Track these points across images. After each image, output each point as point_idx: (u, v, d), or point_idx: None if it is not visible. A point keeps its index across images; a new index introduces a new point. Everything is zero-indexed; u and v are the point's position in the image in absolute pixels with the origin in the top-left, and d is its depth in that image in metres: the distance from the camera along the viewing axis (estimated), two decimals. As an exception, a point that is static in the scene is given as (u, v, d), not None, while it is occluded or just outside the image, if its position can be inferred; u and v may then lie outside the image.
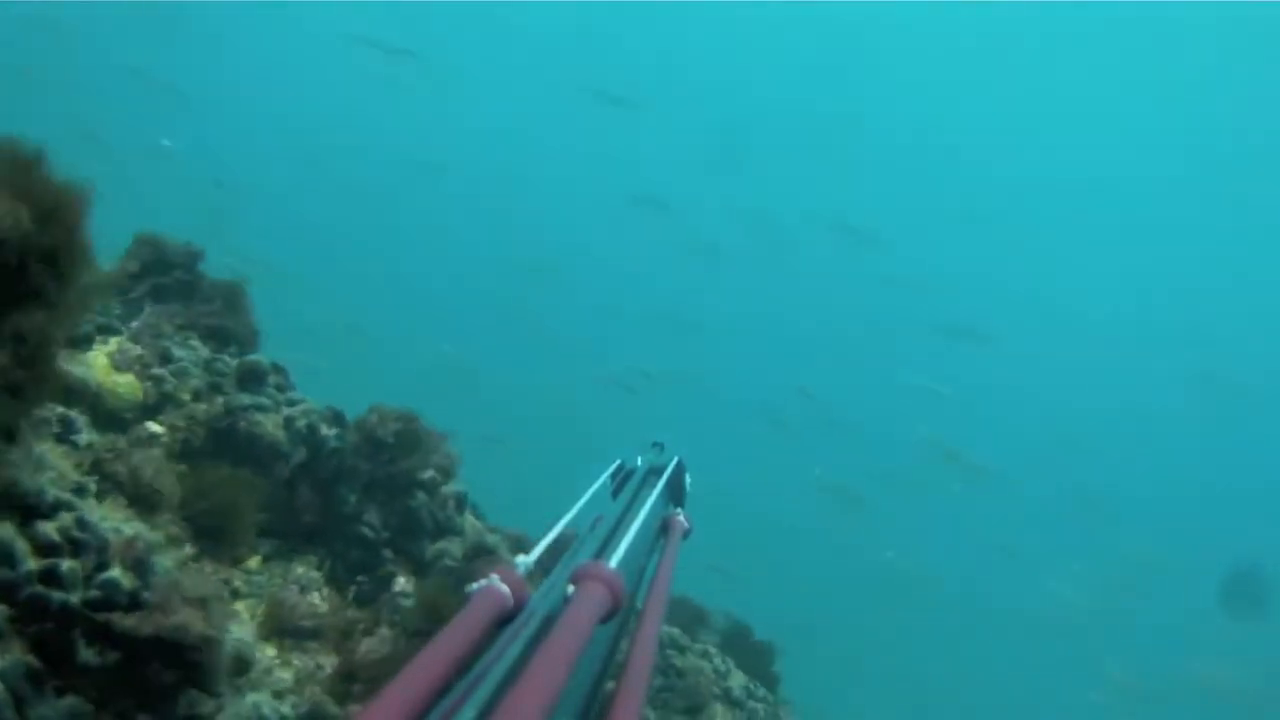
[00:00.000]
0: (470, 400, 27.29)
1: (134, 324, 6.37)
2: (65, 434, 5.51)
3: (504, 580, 1.59)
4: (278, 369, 6.60)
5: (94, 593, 3.57)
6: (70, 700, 3.50)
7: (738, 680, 9.49)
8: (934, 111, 46.70)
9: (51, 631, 3.46)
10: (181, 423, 6.15)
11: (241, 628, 5.28)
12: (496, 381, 32.56)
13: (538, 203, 44.17)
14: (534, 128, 45.26)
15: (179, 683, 3.61)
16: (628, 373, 26.97)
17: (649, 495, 2.46)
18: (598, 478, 2.58)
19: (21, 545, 3.44)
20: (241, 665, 4.30)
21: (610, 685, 1.60)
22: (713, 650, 9.71)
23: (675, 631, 9.32)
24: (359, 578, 6.02)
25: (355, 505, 6.13)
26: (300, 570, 6.08)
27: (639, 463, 2.88)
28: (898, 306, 37.59)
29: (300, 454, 6.22)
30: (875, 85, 46.90)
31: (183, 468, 5.95)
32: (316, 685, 5.01)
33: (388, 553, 6.09)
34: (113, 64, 31.57)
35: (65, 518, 3.56)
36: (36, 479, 3.55)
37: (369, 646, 5.17)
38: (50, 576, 3.47)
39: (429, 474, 6.36)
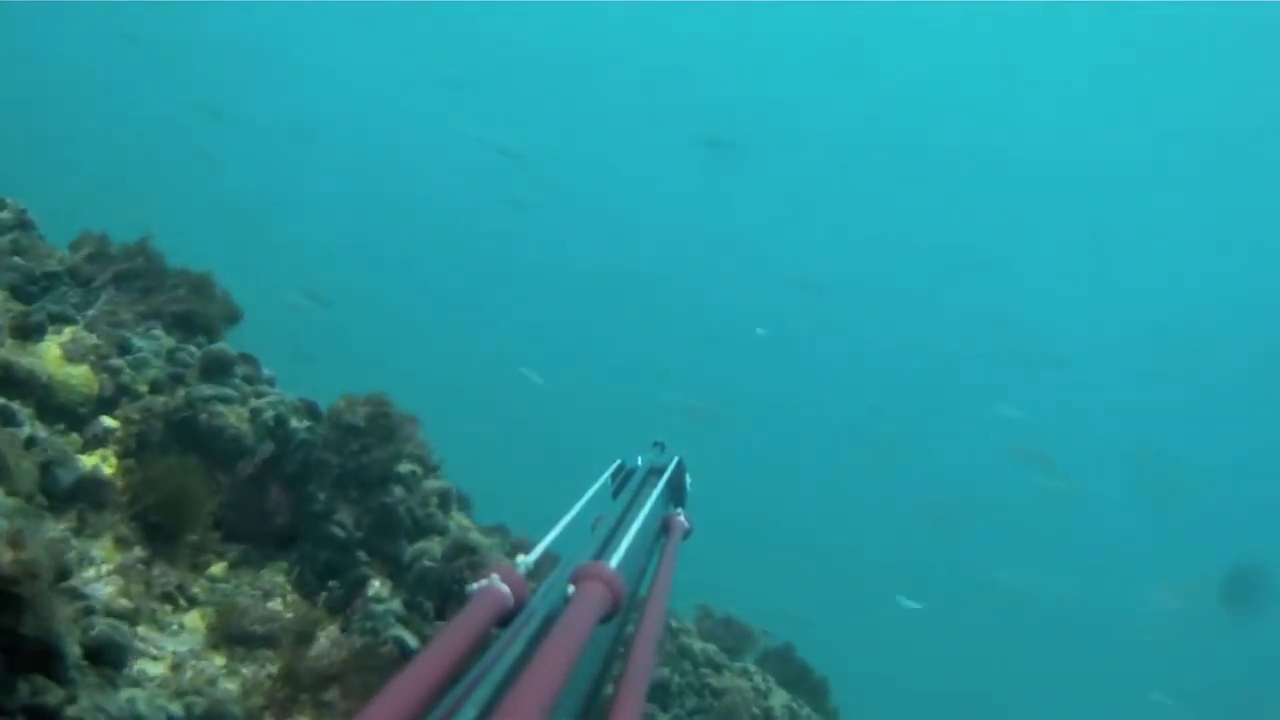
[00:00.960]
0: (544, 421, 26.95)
1: (90, 312, 5.89)
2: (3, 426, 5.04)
3: (504, 580, 1.57)
4: (247, 359, 6.09)
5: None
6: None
7: (780, 699, 8.71)
8: (1032, 147, 46.20)
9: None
10: (137, 416, 5.64)
11: (179, 638, 4.71)
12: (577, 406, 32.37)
13: (640, 237, 44.07)
14: (633, 170, 45.37)
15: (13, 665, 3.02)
16: (681, 401, 26.67)
17: (649, 495, 2.46)
18: (598, 477, 2.55)
19: None
20: (115, 653, 3.69)
21: (610, 685, 1.61)
22: (753, 668, 8.97)
23: (711, 649, 8.61)
24: (330, 583, 5.42)
25: (325, 503, 5.55)
26: (268, 575, 5.51)
27: (639, 462, 2.88)
28: (982, 332, 37.21)
29: (267, 448, 5.66)
30: (977, 115, 46.77)
31: (131, 463, 5.45)
32: (260, 695, 4.40)
33: (361, 554, 5.48)
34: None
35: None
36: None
37: (319, 651, 4.55)
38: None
39: (408, 468, 5.77)
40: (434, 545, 5.59)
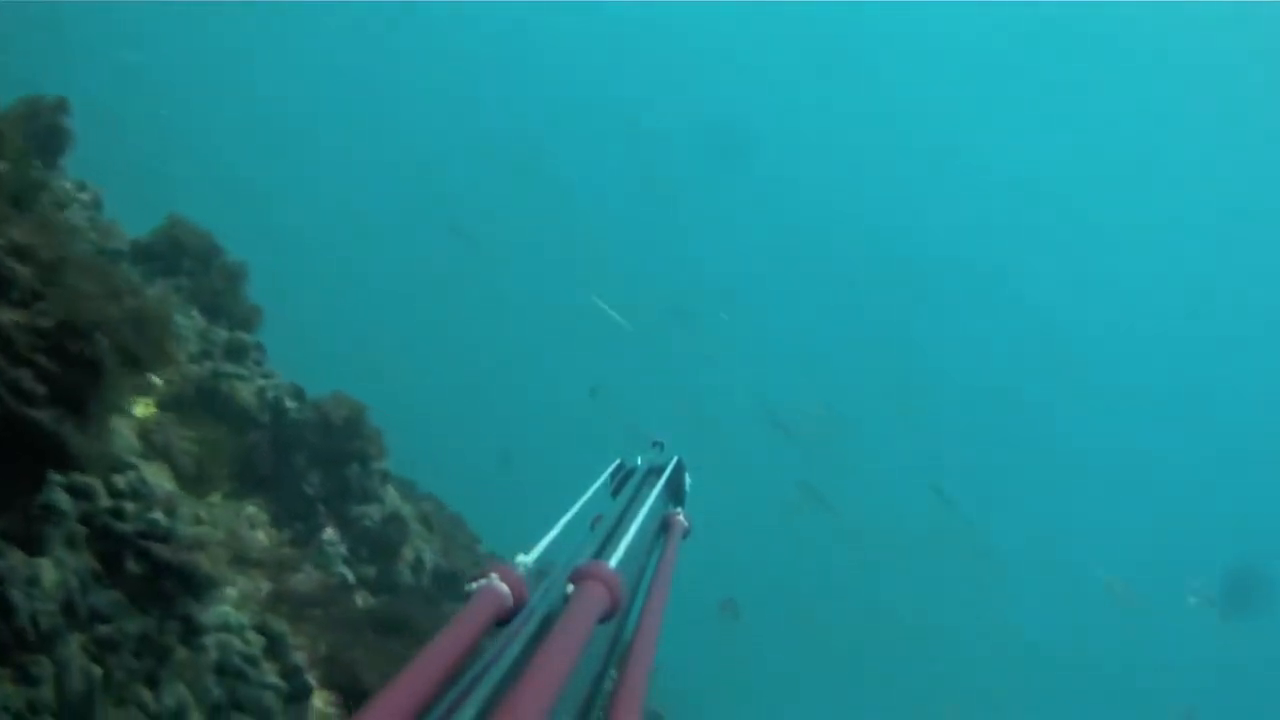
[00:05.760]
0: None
1: (149, 292, 7.98)
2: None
3: (504, 580, 1.59)
4: (258, 347, 8.27)
5: (141, 526, 5.28)
6: (113, 593, 5.21)
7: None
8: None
9: (110, 548, 5.17)
10: (176, 379, 7.79)
11: (218, 553, 7.00)
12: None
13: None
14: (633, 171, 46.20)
15: (182, 594, 5.33)
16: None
17: (649, 495, 2.47)
18: (598, 477, 2.58)
19: (100, 489, 5.15)
20: (213, 584, 6.02)
21: (610, 685, 1.58)
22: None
23: None
24: (296, 523, 7.76)
25: (302, 467, 7.86)
26: (250, 510, 7.79)
27: (639, 462, 2.90)
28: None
29: (265, 418, 7.92)
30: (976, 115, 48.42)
31: (171, 415, 7.63)
32: (256, 604, 6.76)
33: (321, 508, 7.83)
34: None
35: (131, 475, 5.27)
36: (117, 445, 5.26)
37: (298, 580, 6.92)
38: (116, 513, 5.19)
39: (365, 453, 8.11)
40: (374, 510, 7.98)
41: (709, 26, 47.95)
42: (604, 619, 1.58)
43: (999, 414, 40.84)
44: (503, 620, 1.57)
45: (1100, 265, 47.24)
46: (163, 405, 7.72)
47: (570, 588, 1.60)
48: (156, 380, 7.76)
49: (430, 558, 8.24)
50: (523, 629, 1.55)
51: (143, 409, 7.64)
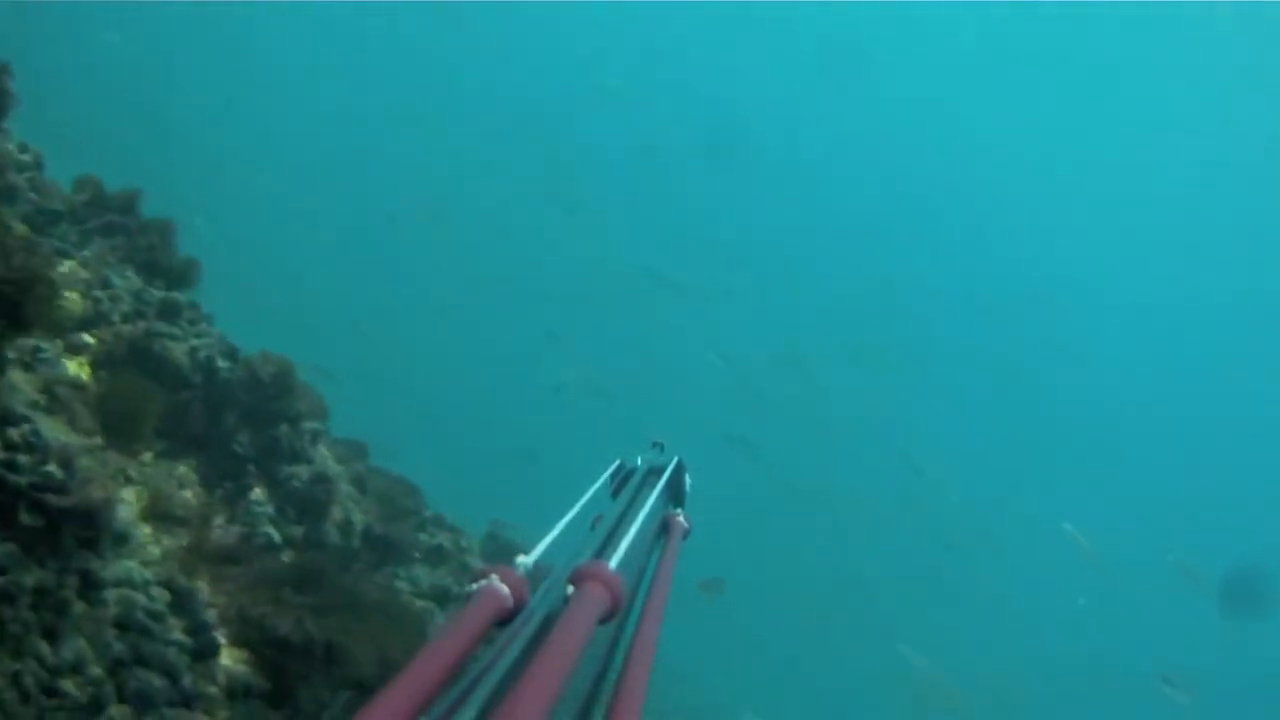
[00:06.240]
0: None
1: (85, 252, 8.08)
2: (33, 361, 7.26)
3: (504, 580, 1.61)
4: (192, 306, 8.36)
5: (36, 478, 5.39)
6: (9, 546, 5.32)
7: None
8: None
9: (5, 501, 5.29)
10: (109, 338, 7.89)
11: (127, 509, 7.12)
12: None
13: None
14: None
15: (80, 545, 5.45)
16: None
17: (649, 495, 2.48)
18: (598, 478, 2.60)
19: (-6, 443, 5.26)
20: (121, 540, 6.14)
21: (610, 686, 1.59)
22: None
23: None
24: (225, 483, 7.88)
25: (232, 426, 7.96)
26: (182, 469, 7.91)
27: (639, 463, 2.93)
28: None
29: (198, 378, 8.02)
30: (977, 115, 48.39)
31: (103, 373, 7.73)
32: (172, 561, 6.89)
33: (251, 468, 7.94)
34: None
35: (25, 428, 5.37)
36: (12, 399, 5.37)
37: (218, 536, 7.04)
38: (10, 465, 5.29)
39: (296, 412, 8.21)
40: (302, 470, 8.09)
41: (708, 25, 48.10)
42: (604, 619, 1.58)
43: (1006, 412, 41.11)
44: (503, 621, 1.58)
45: (1114, 268, 47.00)
46: (95, 364, 7.83)
47: (570, 588, 1.61)
48: (89, 338, 7.87)
49: (360, 519, 8.36)
50: (523, 630, 1.57)
51: (75, 367, 7.76)
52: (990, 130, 48.40)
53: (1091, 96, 48.06)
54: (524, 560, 1.75)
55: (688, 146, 43.03)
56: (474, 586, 1.61)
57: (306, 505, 7.91)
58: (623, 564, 1.75)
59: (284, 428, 8.10)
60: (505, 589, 1.60)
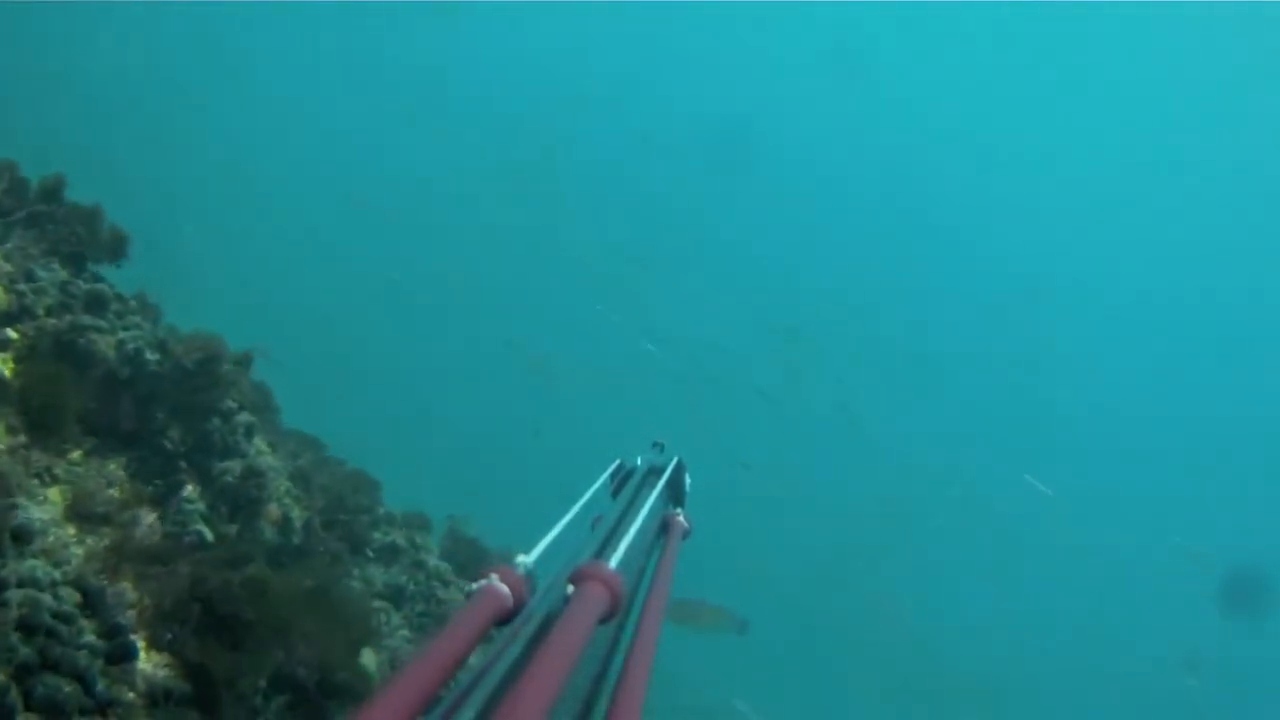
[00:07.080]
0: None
1: (7, 245, 7.78)
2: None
3: (504, 580, 1.61)
4: (120, 298, 8.06)
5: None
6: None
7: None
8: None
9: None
10: (33, 332, 7.60)
11: (45, 508, 6.82)
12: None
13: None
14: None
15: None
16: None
17: (649, 495, 2.48)
18: (597, 477, 2.60)
19: None
20: (24, 538, 5.83)
21: (610, 685, 1.59)
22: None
23: (445, 566, 10.63)
24: (156, 481, 7.57)
25: (162, 421, 7.67)
26: (112, 467, 7.61)
27: (639, 462, 2.93)
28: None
29: (125, 371, 7.72)
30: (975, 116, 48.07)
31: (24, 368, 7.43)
32: (91, 561, 6.58)
33: (182, 464, 7.64)
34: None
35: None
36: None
37: (142, 535, 6.74)
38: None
39: (228, 403, 7.91)
40: (235, 466, 7.79)
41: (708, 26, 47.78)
42: (604, 619, 1.58)
43: (1008, 412, 40.82)
44: (503, 621, 1.59)
45: (1115, 271, 47.11)
46: (19, 360, 7.54)
47: (570, 588, 1.61)
48: (12, 334, 7.58)
49: (299, 515, 8.05)
50: (523, 629, 1.56)
51: (-2, 363, 7.47)
52: (990, 130, 48.51)
53: (1092, 97, 48.09)
54: (524, 560, 1.74)
55: (688, 147, 42.92)
56: (473, 586, 1.61)
57: (239, 502, 7.60)
58: (623, 564, 1.75)
59: (216, 421, 7.81)
60: (505, 589, 1.60)
